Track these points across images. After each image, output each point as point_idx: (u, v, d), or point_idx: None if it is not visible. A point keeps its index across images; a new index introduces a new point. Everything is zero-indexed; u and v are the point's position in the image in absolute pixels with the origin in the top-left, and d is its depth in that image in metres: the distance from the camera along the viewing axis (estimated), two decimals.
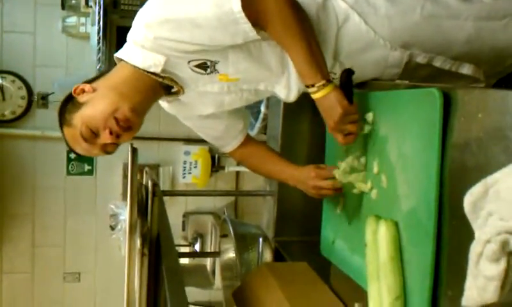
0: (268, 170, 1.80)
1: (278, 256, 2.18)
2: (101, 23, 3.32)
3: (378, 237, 1.22)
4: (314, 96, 1.33)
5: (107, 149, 1.46)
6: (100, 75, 1.51)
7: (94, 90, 1.43)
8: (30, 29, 3.76)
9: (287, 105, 2.26)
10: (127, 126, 1.41)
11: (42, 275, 4.00)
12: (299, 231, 2.28)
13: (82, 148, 1.46)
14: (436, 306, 1.09)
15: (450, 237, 1.06)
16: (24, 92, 3.76)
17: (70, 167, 3.94)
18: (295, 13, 1.30)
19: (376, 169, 1.33)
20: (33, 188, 3.92)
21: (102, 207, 3.76)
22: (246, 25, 1.25)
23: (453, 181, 1.05)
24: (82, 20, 3.62)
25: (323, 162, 1.70)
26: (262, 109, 2.78)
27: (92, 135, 1.41)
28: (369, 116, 1.37)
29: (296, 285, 1.67)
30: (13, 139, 3.81)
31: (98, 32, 3.35)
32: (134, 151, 1.65)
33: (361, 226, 1.37)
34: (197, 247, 3.97)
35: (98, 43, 3.36)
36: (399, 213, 1.21)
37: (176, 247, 3.92)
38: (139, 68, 1.40)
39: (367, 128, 1.38)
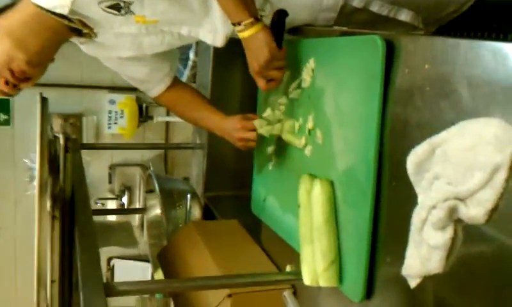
0: (194, 117, 1.67)
1: (207, 213, 2.07)
2: None
3: (312, 197, 1.12)
4: (241, 36, 1.23)
5: (8, 94, 1.31)
6: (4, 8, 1.31)
7: None
8: None
9: (218, 52, 2.13)
10: (23, 78, 1.28)
11: None
12: (230, 186, 2.18)
13: None
14: (373, 272, 1.02)
15: (390, 199, 0.97)
16: None
17: None
18: None
19: (310, 124, 1.22)
20: None
21: (21, 159, 3.54)
22: None
23: (394, 138, 0.96)
24: None
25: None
26: (191, 55, 2.61)
27: None
28: (303, 66, 1.26)
29: (225, 245, 1.58)
30: None
31: None
32: (44, 101, 1.48)
33: (294, 184, 1.27)
34: (124, 200, 3.84)
35: None
36: (335, 171, 1.12)
37: (103, 201, 3.79)
38: (44, 8, 1.22)
39: (300, 79, 1.27)
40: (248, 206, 1.73)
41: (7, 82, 1.27)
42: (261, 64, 1.23)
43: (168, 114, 3.94)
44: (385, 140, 0.97)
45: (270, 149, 1.46)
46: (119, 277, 3.84)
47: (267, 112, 1.41)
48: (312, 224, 1.12)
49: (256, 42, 1.21)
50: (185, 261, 1.57)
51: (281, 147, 1.39)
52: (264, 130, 1.37)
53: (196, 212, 2.01)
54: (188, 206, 1.96)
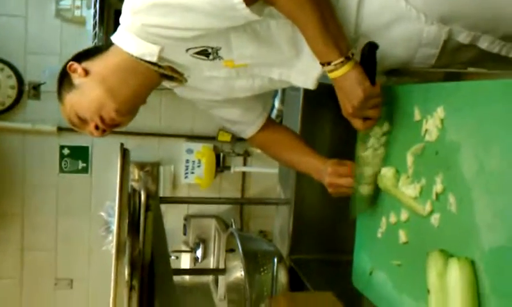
0: (291, 159, 1.59)
1: (293, 279, 1.85)
2: (97, 6, 3.05)
3: (448, 282, 0.89)
4: (331, 76, 1.13)
5: (97, 136, 1.34)
6: (97, 51, 1.32)
7: (86, 73, 1.28)
8: (21, 12, 3.46)
9: (307, 102, 1.96)
10: (112, 125, 1.30)
11: (32, 280, 3.71)
12: (320, 248, 1.96)
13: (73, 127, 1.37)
14: None
15: None
16: (13, 81, 3.48)
17: (63, 164, 3.64)
18: None
19: (439, 187, 1.00)
20: (23, 187, 3.62)
21: (98, 208, 3.46)
22: (245, 11, 1.05)
23: None
24: (78, 2, 3.36)
25: None
26: (276, 104, 2.45)
27: (80, 121, 1.31)
28: (427, 116, 1.06)
29: None
30: (2, 133, 3.53)
31: (95, 16, 3.10)
32: (125, 153, 1.34)
33: (414, 260, 1.05)
34: (199, 253, 3.69)
35: (95, 27, 3.10)
36: (478, 250, 0.88)
37: (177, 253, 3.64)
38: (134, 56, 1.22)
39: (422, 131, 1.06)
40: (341, 273, 1.55)
41: (97, 127, 1.29)
42: (355, 105, 1.12)
43: (244, 164, 3.82)
44: None
45: (379, 211, 1.24)
46: None
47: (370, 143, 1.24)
48: None
49: (348, 82, 1.11)
50: None
51: (396, 210, 1.17)
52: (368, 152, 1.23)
53: (283, 278, 1.79)
54: (275, 272, 1.75)
